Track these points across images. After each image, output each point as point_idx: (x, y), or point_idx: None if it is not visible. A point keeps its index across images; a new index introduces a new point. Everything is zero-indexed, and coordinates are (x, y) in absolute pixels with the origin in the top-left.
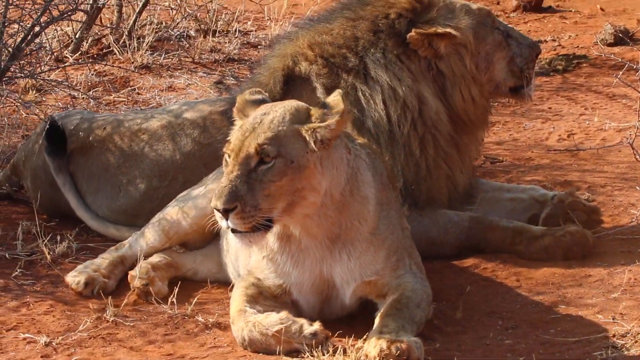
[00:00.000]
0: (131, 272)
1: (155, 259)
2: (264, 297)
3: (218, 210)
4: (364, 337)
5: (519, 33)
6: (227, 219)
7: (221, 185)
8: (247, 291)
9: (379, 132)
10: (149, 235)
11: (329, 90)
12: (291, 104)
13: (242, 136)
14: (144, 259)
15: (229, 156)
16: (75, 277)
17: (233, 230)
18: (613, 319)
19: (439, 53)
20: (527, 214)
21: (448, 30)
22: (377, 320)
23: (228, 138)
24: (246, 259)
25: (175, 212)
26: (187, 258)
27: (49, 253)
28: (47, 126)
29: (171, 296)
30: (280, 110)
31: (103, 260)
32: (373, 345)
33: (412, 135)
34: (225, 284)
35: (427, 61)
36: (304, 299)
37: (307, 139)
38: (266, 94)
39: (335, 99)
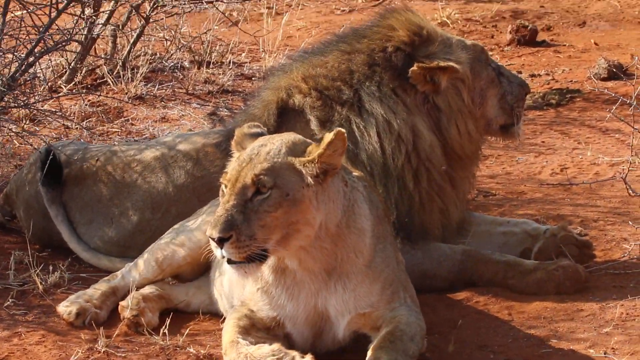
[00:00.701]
0: (122, 303)
1: (146, 290)
2: (256, 329)
3: (213, 239)
4: None
5: (510, 71)
6: (221, 248)
7: (217, 215)
8: (239, 322)
9: (373, 164)
10: (142, 266)
11: (323, 123)
12: (289, 137)
13: (239, 167)
14: (136, 290)
15: (226, 186)
16: (67, 308)
17: (229, 261)
18: (605, 354)
19: (439, 87)
20: (519, 247)
21: (450, 64)
22: (369, 353)
23: (225, 170)
24: (240, 290)
25: (169, 244)
26: (180, 290)
27: (41, 283)
28: (43, 155)
29: (163, 327)
30: (277, 142)
31: (95, 290)
32: None
33: (406, 168)
34: (217, 315)
35: (422, 95)
36: (297, 331)
37: (303, 172)
38: (264, 128)
39: (327, 134)
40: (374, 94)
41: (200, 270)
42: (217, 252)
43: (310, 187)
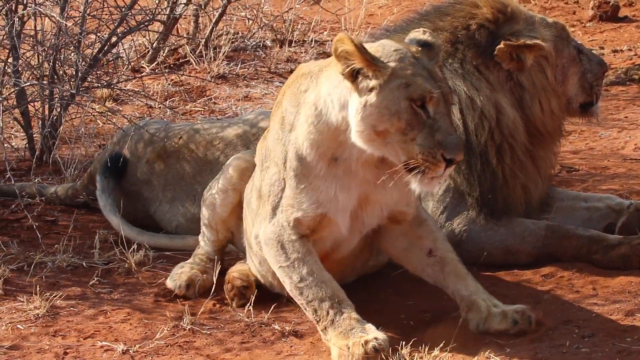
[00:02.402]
0: (233, 273)
1: (246, 264)
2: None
3: (451, 160)
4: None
5: (589, 50)
6: (447, 168)
7: (452, 136)
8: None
9: None
10: (206, 233)
11: None
12: (409, 43)
13: (436, 84)
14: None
15: (434, 105)
16: (175, 281)
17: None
18: None
19: (524, 65)
20: (603, 222)
21: (537, 42)
22: (449, 280)
23: (411, 86)
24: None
25: (208, 205)
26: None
27: (125, 261)
28: (113, 156)
29: (248, 304)
30: (420, 53)
31: (195, 258)
32: (499, 319)
33: (489, 144)
34: None
35: (506, 73)
36: (342, 221)
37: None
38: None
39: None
40: (456, 71)
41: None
42: (439, 171)
43: None
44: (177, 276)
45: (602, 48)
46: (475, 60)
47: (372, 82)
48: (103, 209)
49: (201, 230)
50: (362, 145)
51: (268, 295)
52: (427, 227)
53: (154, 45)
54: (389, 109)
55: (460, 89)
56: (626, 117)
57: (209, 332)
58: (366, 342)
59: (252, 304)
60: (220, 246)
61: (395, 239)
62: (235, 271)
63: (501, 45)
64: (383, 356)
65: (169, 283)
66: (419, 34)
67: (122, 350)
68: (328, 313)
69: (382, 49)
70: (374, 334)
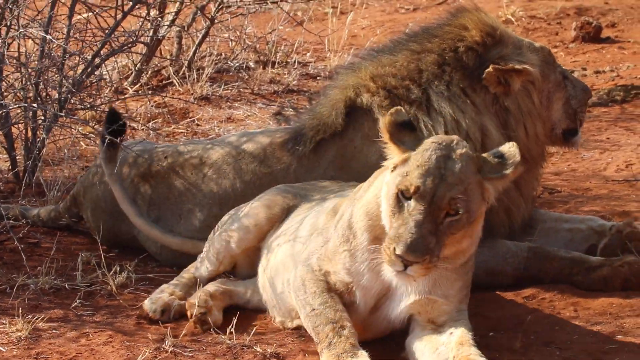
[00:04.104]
0: (190, 300)
1: (212, 287)
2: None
3: (402, 259)
4: None
5: (573, 76)
6: (406, 267)
7: (409, 236)
8: (319, 283)
9: None
10: (208, 258)
11: None
12: (466, 145)
13: (432, 184)
14: (202, 286)
15: (409, 198)
16: (152, 305)
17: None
18: None
19: (511, 89)
20: (585, 244)
21: (526, 67)
22: (455, 347)
23: (408, 178)
24: (316, 247)
25: (222, 235)
26: (239, 287)
27: (108, 284)
28: (108, 114)
29: (230, 326)
30: (464, 155)
31: (178, 282)
32: None
33: None
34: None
35: (492, 96)
36: (363, 302)
37: (489, 191)
38: (406, 109)
39: (511, 149)
40: (442, 94)
41: (254, 261)
42: (397, 266)
43: (485, 204)
44: (155, 299)
45: (585, 69)
46: (462, 83)
47: (391, 162)
48: (108, 177)
49: (203, 255)
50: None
51: (250, 318)
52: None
53: (137, 66)
54: (388, 191)
55: (445, 111)
56: (608, 138)
57: (190, 355)
58: None
59: (233, 326)
60: (215, 275)
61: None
62: (194, 298)
63: (490, 69)
64: None
65: (146, 305)
66: (508, 147)
67: None
68: (327, 335)
69: (430, 138)
70: (360, 359)
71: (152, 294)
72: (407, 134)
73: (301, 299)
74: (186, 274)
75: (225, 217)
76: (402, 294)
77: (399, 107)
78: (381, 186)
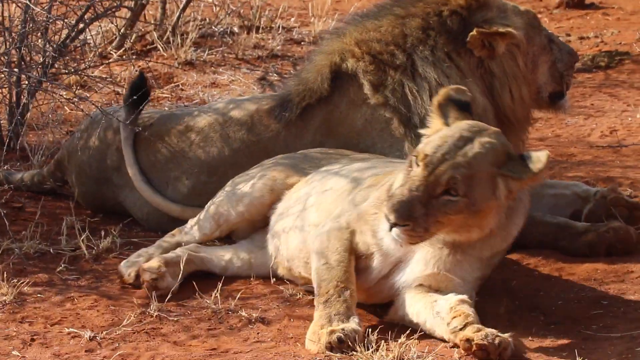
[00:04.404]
0: (143, 265)
1: (171, 254)
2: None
3: (388, 219)
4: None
5: (559, 39)
6: (392, 228)
7: (399, 197)
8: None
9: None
10: (203, 224)
11: (375, 87)
12: (496, 139)
13: (441, 156)
14: (183, 246)
15: (417, 165)
16: (127, 269)
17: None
18: None
19: (495, 52)
20: (569, 209)
21: (509, 30)
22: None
23: (421, 145)
24: (349, 207)
25: (225, 202)
26: (217, 253)
27: (92, 248)
28: (135, 78)
29: (214, 291)
30: (486, 144)
31: (157, 248)
32: (473, 330)
33: None
34: (261, 278)
35: (477, 60)
36: (379, 268)
37: (499, 187)
38: (469, 94)
39: (540, 157)
40: (427, 58)
41: (255, 228)
42: (384, 225)
43: (497, 201)
44: (131, 263)
45: (569, 35)
46: (447, 47)
47: (427, 131)
48: (123, 141)
49: (194, 219)
50: None
51: (235, 282)
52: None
53: (121, 31)
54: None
55: (430, 76)
56: (592, 104)
57: (175, 319)
58: (332, 332)
59: (218, 291)
60: (207, 240)
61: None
62: (146, 265)
63: (474, 33)
64: (348, 345)
65: (121, 268)
66: (539, 155)
67: (89, 336)
68: (328, 292)
69: (469, 121)
70: (346, 324)
71: (130, 257)
72: (456, 111)
73: (320, 250)
74: (169, 237)
75: (227, 187)
76: (418, 261)
77: (464, 88)
78: None
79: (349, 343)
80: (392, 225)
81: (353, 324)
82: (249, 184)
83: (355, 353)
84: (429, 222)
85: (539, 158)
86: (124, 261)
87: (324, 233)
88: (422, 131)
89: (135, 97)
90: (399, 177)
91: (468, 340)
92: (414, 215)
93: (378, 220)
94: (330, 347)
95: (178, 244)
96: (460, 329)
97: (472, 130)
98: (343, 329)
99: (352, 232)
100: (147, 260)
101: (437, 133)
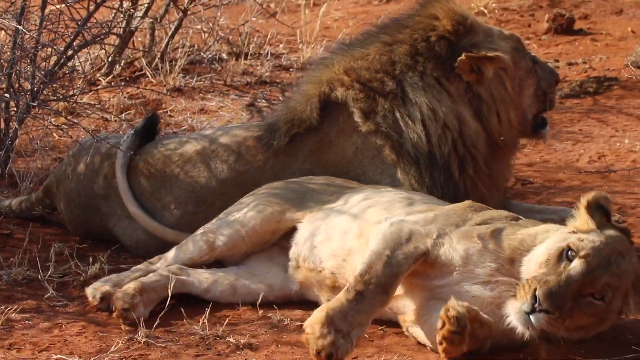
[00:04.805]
0: (117, 292)
1: (150, 279)
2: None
3: (537, 302)
4: None
5: (541, 60)
6: (532, 312)
7: (558, 285)
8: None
9: (418, 153)
10: (189, 247)
11: (366, 115)
12: (637, 259)
13: (600, 261)
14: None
15: (578, 263)
16: (94, 290)
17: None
18: None
19: (484, 77)
20: None
21: (498, 54)
22: None
23: (582, 241)
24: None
25: (223, 228)
26: (201, 276)
27: (81, 274)
28: (148, 116)
29: (203, 317)
30: (633, 262)
31: (130, 273)
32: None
33: (452, 156)
34: (247, 304)
35: (465, 84)
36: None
37: (630, 304)
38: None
39: None
40: (417, 84)
41: (246, 256)
42: (525, 306)
43: (620, 316)
44: (98, 286)
45: (557, 61)
46: (436, 72)
47: (573, 226)
48: (118, 168)
49: (184, 242)
50: None
51: (223, 308)
52: None
53: (110, 58)
54: (556, 242)
55: (421, 100)
56: (580, 129)
57: (163, 345)
58: (331, 344)
59: (206, 317)
60: (193, 264)
61: None
62: (120, 292)
63: (462, 57)
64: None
65: (87, 290)
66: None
67: None
68: (369, 282)
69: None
70: (347, 341)
71: (98, 280)
72: (603, 217)
73: (391, 242)
74: (145, 265)
75: (222, 215)
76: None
77: (607, 195)
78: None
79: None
80: (537, 310)
81: (354, 338)
82: (250, 214)
83: None
84: (568, 318)
85: None
86: (92, 284)
87: (406, 231)
88: (568, 225)
89: (144, 128)
90: (545, 267)
91: None
92: (564, 308)
93: (478, 249)
94: (318, 354)
95: (167, 265)
96: None
97: (623, 244)
98: (333, 343)
99: (437, 242)
100: (115, 285)
101: (591, 235)
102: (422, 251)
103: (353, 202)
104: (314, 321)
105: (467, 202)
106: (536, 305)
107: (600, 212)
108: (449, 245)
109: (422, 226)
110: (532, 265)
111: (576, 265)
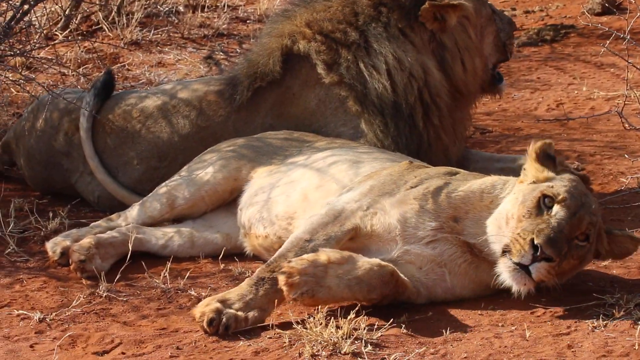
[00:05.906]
0: (73, 246)
1: (108, 234)
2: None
3: (537, 250)
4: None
5: (498, 10)
6: (532, 262)
7: (554, 231)
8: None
9: (383, 104)
10: (150, 205)
11: (329, 66)
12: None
13: (577, 202)
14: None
15: (561, 208)
16: (54, 246)
17: (518, 266)
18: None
19: (447, 25)
20: None
21: (461, 2)
22: None
23: (553, 187)
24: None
25: (184, 186)
26: (157, 233)
27: (41, 229)
28: (105, 74)
29: (164, 271)
30: (596, 201)
31: (90, 229)
32: None
33: (417, 106)
34: (208, 257)
35: (429, 33)
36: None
37: (603, 242)
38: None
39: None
40: (381, 35)
41: (204, 211)
42: (525, 258)
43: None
44: (58, 241)
45: (514, 9)
46: (400, 23)
47: (530, 177)
48: (82, 129)
49: (143, 201)
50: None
51: (184, 261)
52: None
53: (67, 12)
54: (525, 195)
55: (386, 50)
56: (538, 77)
57: (125, 299)
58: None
59: (167, 271)
60: (152, 222)
61: None
62: (77, 245)
63: (426, 5)
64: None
65: (47, 245)
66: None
67: (39, 318)
68: (272, 272)
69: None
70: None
71: (59, 235)
72: (553, 164)
73: (316, 225)
74: (105, 222)
75: (183, 172)
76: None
77: (551, 142)
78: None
79: (226, 327)
80: (539, 260)
81: (250, 317)
82: (210, 171)
83: (305, 330)
84: (563, 264)
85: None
86: (51, 239)
87: (339, 208)
88: (520, 178)
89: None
90: (530, 220)
91: None
92: (562, 252)
93: (416, 210)
94: (209, 323)
95: (112, 229)
96: None
97: (582, 184)
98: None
99: (373, 213)
100: (76, 240)
101: (552, 180)
102: (348, 229)
103: (299, 165)
104: (209, 299)
105: (405, 164)
106: (538, 254)
107: (549, 159)
108: (382, 213)
109: (357, 201)
110: (505, 223)
111: (559, 210)
